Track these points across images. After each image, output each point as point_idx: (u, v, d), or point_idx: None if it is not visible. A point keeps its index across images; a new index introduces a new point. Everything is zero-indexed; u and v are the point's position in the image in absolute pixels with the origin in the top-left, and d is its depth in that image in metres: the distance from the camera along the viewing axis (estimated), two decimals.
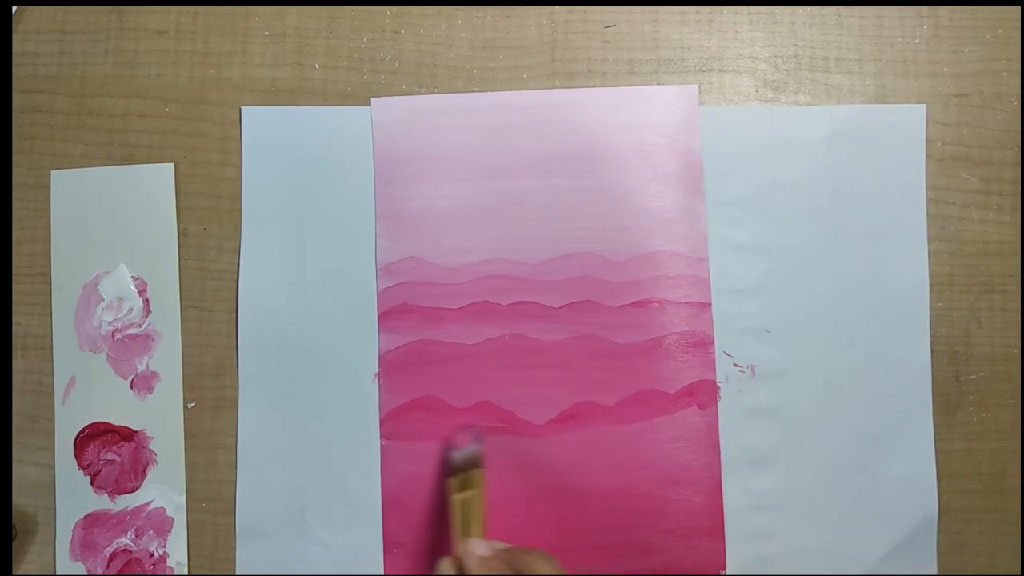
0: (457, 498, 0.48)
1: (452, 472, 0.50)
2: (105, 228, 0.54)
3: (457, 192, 0.53)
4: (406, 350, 0.53)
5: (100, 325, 0.54)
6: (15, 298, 0.54)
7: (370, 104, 0.54)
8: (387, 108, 0.54)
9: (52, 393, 0.54)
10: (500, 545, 0.45)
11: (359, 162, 0.54)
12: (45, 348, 0.54)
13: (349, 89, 0.54)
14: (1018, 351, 0.52)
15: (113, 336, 0.54)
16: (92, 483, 0.53)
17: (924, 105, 0.53)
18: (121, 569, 0.53)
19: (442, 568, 0.44)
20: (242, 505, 0.53)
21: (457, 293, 0.53)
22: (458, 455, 0.50)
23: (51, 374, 0.54)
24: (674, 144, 0.53)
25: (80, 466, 0.53)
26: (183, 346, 0.54)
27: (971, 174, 0.53)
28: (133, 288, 0.54)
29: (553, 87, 0.54)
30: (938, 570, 0.51)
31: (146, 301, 0.54)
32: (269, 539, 0.52)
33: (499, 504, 0.51)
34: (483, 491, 0.48)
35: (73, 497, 0.53)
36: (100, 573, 0.53)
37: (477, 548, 0.44)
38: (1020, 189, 0.53)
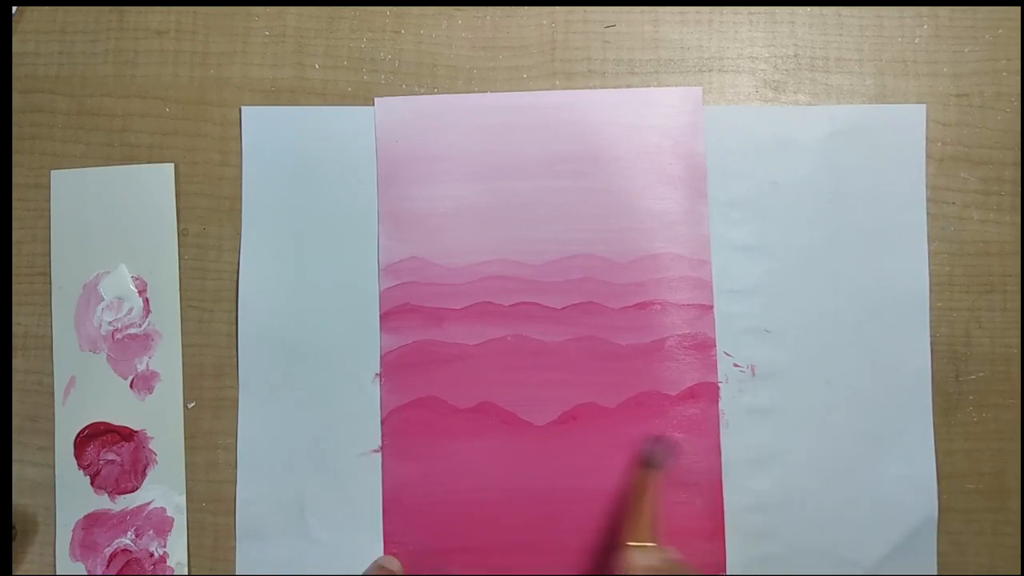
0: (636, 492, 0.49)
1: (645, 465, 0.50)
2: (105, 228, 0.54)
3: (461, 192, 0.53)
4: (408, 350, 0.53)
5: (100, 325, 0.54)
6: (15, 298, 0.54)
7: (370, 104, 0.54)
8: (391, 108, 0.54)
9: (52, 393, 0.54)
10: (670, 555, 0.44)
11: (360, 162, 0.54)
12: (45, 348, 0.54)
13: (349, 89, 0.54)
14: (1018, 351, 0.52)
15: (113, 336, 0.54)
16: (92, 483, 0.53)
17: (924, 105, 0.53)
18: (121, 569, 0.53)
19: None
20: (242, 505, 0.53)
21: (459, 293, 0.53)
22: (653, 452, 0.51)
23: (51, 374, 0.54)
24: (678, 147, 0.53)
25: (80, 466, 0.53)
26: (183, 346, 0.53)
27: (971, 174, 0.53)
28: (133, 288, 0.54)
29: (553, 87, 0.54)
30: (938, 570, 0.51)
31: (146, 301, 0.54)
32: (269, 539, 0.52)
33: (500, 505, 0.52)
34: (653, 493, 0.49)
35: (73, 497, 0.53)
36: (100, 573, 0.53)
37: (639, 559, 0.43)
38: (1020, 189, 0.53)
